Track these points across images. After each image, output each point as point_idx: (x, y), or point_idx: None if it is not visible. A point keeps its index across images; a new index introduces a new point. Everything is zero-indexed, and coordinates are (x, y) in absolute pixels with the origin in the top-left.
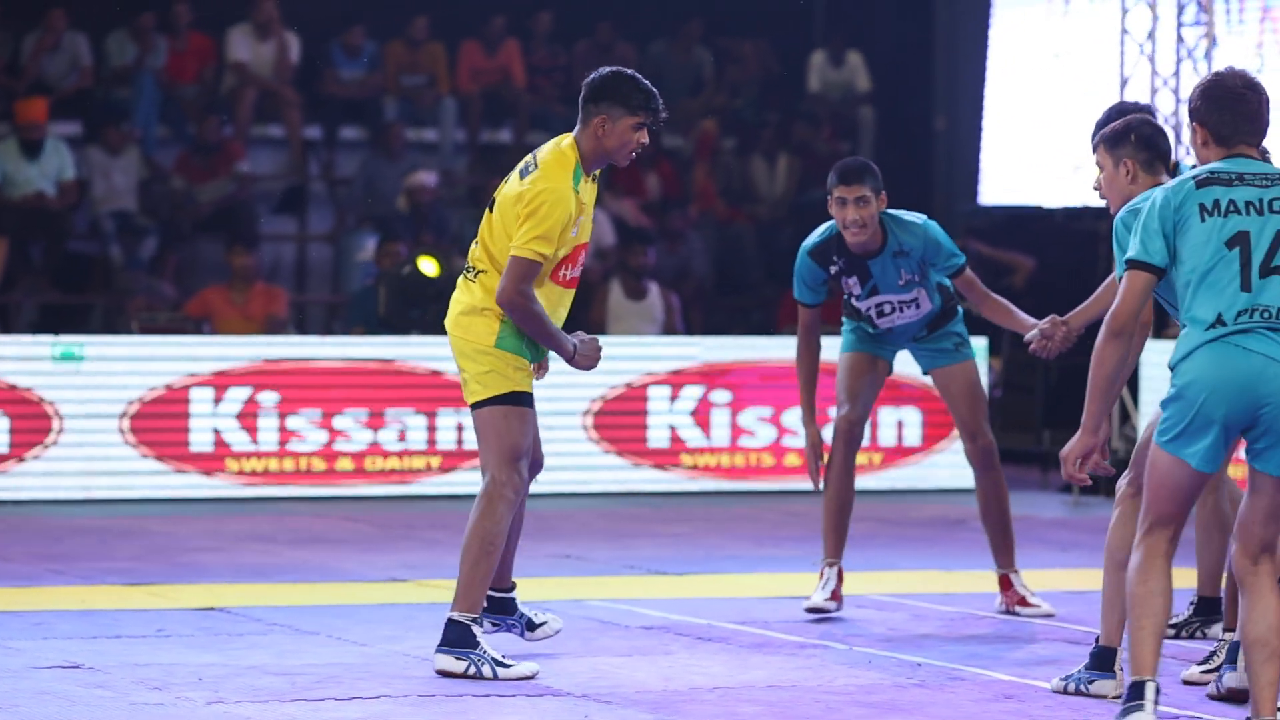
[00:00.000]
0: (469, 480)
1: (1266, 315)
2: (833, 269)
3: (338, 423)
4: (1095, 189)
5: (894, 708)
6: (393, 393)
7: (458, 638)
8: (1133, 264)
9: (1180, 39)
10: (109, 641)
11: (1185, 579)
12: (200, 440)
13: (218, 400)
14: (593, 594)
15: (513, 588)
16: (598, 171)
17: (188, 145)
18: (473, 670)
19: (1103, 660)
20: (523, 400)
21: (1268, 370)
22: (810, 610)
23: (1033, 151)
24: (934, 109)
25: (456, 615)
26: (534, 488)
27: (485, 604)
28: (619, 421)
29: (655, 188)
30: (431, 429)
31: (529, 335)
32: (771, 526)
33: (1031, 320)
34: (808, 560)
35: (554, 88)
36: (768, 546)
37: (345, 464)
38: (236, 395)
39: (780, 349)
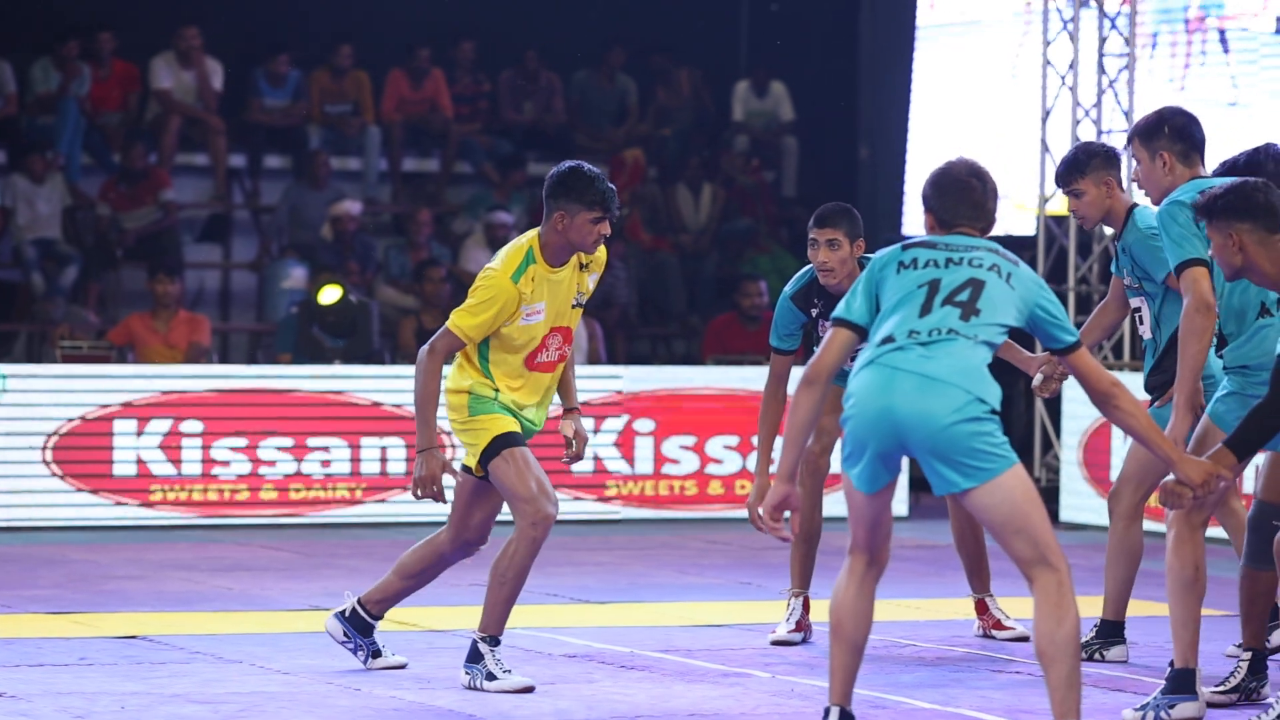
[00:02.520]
0: (392, 508)
1: (935, 334)
2: (813, 311)
3: (261, 451)
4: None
5: None
6: (316, 421)
7: (469, 654)
8: (837, 321)
9: (1102, 70)
10: (31, 670)
11: (1092, 606)
12: (123, 468)
13: (141, 428)
14: (516, 622)
15: (381, 616)
16: (582, 258)
17: (112, 173)
18: (469, 683)
19: (1182, 682)
20: (510, 440)
21: (910, 389)
22: (774, 643)
23: None
24: (858, 139)
25: (474, 634)
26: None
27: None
28: (542, 450)
29: None
30: (355, 457)
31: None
32: (694, 555)
33: (1028, 354)
34: (730, 589)
35: (479, 116)
36: (690, 575)
37: (269, 492)
38: (159, 423)
39: (705, 378)
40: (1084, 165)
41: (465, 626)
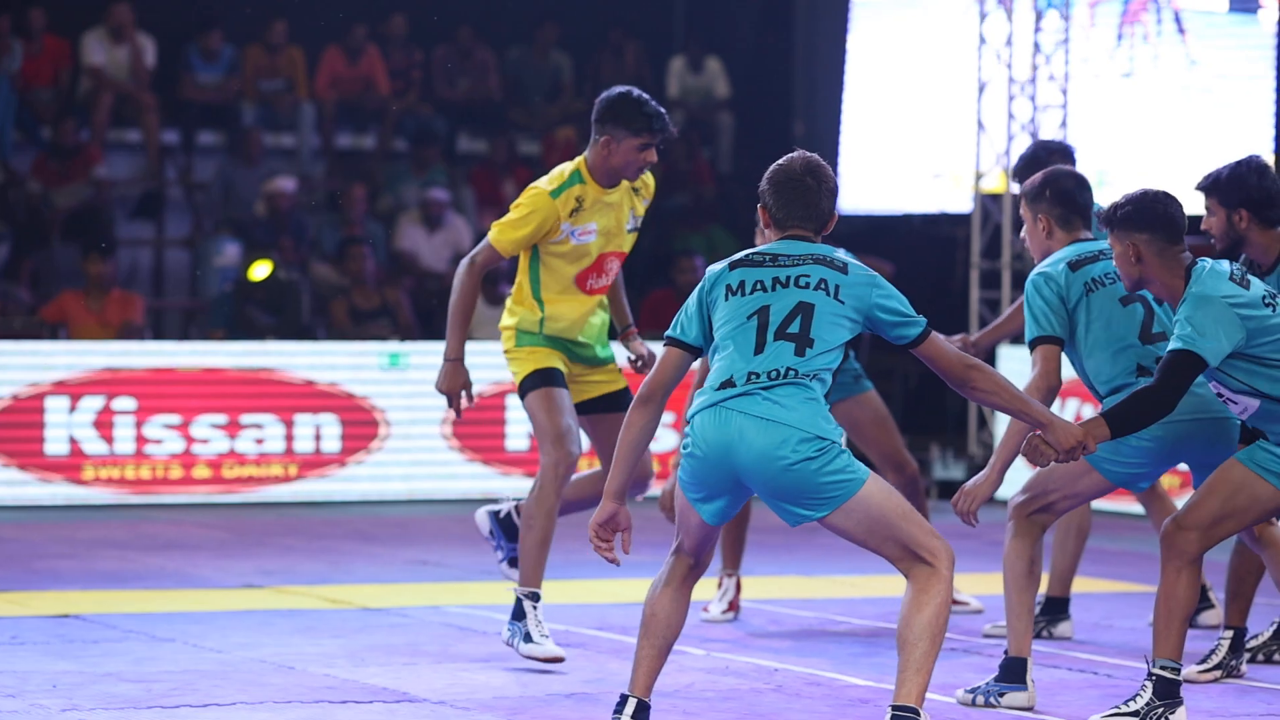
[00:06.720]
0: (325, 486)
1: (774, 376)
2: None
3: (194, 429)
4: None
5: (751, 713)
6: (250, 399)
7: (514, 610)
8: (669, 341)
9: (1037, 46)
10: None
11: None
12: (56, 446)
13: (73, 406)
14: (450, 600)
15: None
16: (629, 183)
17: (44, 149)
18: (509, 640)
19: (1013, 671)
20: (546, 378)
21: (749, 432)
22: (707, 622)
23: (891, 158)
24: (793, 115)
25: (515, 589)
26: (392, 492)
27: None
28: (478, 427)
29: (512, 195)
30: (289, 435)
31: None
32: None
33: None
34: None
35: (413, 91)
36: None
37: (202, 470)
38: (92, 401)
39: None
40: (1044, 162)
41: (398, 605)
